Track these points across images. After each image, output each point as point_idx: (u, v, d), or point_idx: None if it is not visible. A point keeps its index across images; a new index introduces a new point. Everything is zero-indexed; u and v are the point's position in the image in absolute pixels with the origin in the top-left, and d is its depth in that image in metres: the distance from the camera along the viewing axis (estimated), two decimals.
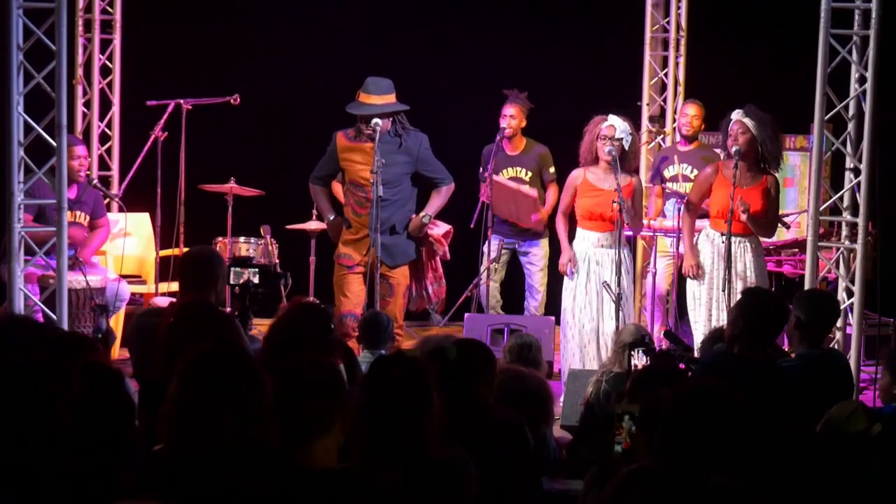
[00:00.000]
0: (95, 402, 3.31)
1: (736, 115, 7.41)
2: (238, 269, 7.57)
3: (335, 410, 3.44)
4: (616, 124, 7.70)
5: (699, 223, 7.78)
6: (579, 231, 7.88)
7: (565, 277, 7.87)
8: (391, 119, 7.54)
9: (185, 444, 3.34)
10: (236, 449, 3.30)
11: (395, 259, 7.60)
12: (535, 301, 8.76)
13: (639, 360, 5.42)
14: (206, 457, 3.30)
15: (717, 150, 8.52)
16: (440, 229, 7.85)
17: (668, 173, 8.88)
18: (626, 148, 7.70)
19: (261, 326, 7.20)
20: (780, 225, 8.09)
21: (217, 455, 3.29)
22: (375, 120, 7.45)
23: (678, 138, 9.12)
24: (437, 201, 7.73)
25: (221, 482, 3.26)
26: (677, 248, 8.26)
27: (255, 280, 6.87)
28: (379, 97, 7.53)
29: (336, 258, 7.72)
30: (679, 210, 8.24)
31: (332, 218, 7.75)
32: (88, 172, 8.45)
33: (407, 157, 7.57)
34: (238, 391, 3.36)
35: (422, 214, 7.65)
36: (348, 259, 7.64)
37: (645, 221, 8.48)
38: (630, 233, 8.14)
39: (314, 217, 8.88)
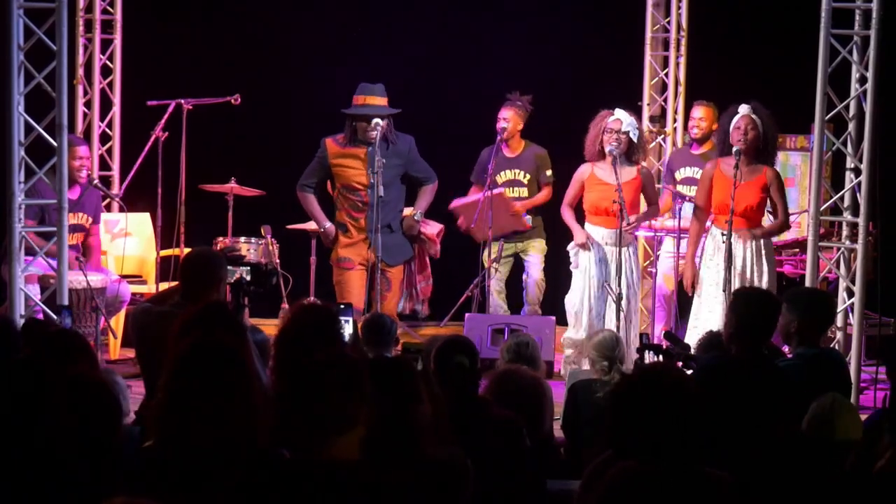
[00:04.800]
0: (75, 413, 3.29)
1: (744, 109, 7.38)
2: (230, 267, 7.57)
3: (357, 406, 3.45)
4: (622, 118, 7.76)
5: None
6: (587, 226, 7.91)
7: (573, 277, 7.88)
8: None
9: (174, 439, 3.34)
10: (225, 444, 3.30)
11: (394, 258, 7.71)
12: (530, 296, 8.77)
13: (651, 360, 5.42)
14: (195, 451, 3.30)
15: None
16: (433, 228, 7.96)
17: (679, 175, 8.84)
18: (634, 140, 7.77)
19: (262, 327, 7.20)
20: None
21: (206, 450, 3.29)
22: (376, 120, 7.52)
23: (687, 139, 9.10)
24: (425, 199, 7.92)
25: (211, 476, 3.27)
26: (677, 249, 8.25)
27: (248, 278, 6.91)
28: (380, 98, 7.64)
29: (336, 263, 7.77)
30: (680, 210, 8.23)
31: (328, 225, 7.77)
32: (89, 173, 8.44)
33: (398, 159, 7.71)
34: (225, 386, 3.36)
35: (413, 213, 7.78)
36: (348, 262, 7.70)
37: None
38: (642, 233, 8.20)
39: None
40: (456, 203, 8.66)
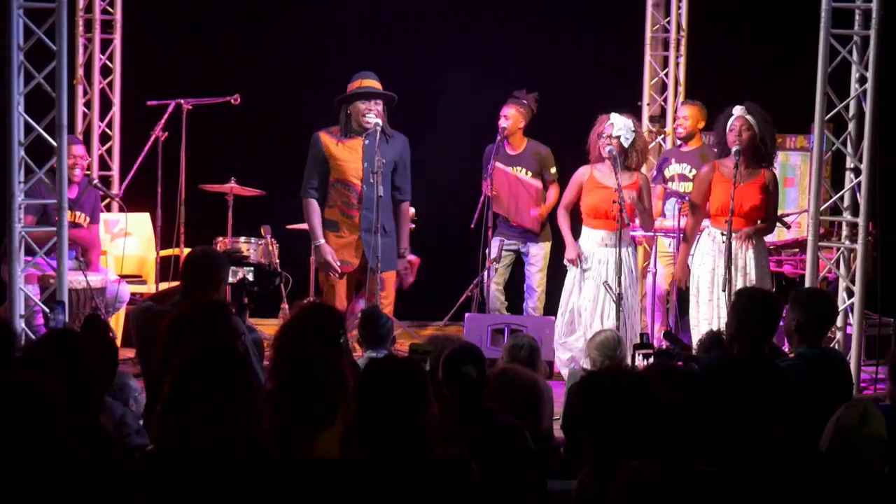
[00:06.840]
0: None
1: (738, 110, 7.38)
2: (233, 267, 7.58)
3: (337, 403, 3.46)
4: (615, 121, 7.73)
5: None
6: (584, 230, 7.90)
7: (567, 276, 7.87)
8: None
9: (176, 441, 3.34)
10: (228, 448, 3.30)
11: (387, 264, 7.63)
12: (532, 302, 8.76)
13: (640, 362, 5.42)
14: (197, 456, 3.30)
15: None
16: (414, 258, 8.04)
17: (667, 173, 8.87)
18: (626, 146, 7.73)
19: (261, 327, 7.21)
20: (779, 224, 8.08)
21: (207, 451, 3.30)
22: (377, 120, 7.52)
23: (678, 140, 9.13)
24: (405, 228, 7.78)
25: (213, 481, 3.27)
26: (676, 249, 8.25)
27: (251, 278, 6.94)
28: (376, 82, 7.63)
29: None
30: (678, 209, 8.23)
31: (321, 243, 7.68)
32: (88, 172, 8.43)
33: (393, 154, 7.62)
34: (226, 386, 3.36)
35: (402, 248, 7.72)
36: (345, 265, 7.64)
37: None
38: (638, 232, 8.18)
39: None
40: (496, 165, 8.56)
